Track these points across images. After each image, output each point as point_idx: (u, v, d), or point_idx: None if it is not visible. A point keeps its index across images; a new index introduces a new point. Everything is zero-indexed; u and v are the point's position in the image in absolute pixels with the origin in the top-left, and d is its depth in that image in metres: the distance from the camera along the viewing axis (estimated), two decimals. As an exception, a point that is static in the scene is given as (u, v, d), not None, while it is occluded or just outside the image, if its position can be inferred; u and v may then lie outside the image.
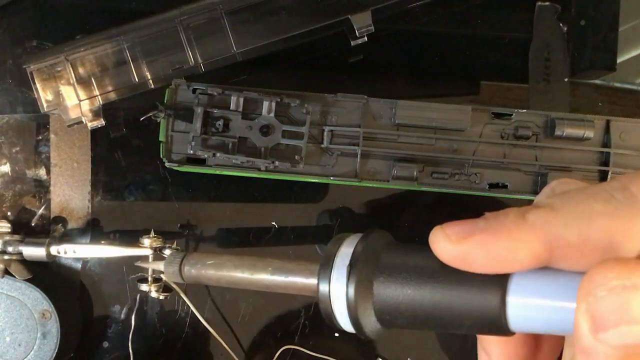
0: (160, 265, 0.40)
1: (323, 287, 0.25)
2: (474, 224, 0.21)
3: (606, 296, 0.17)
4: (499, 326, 0.21)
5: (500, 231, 0.20)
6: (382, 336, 0.27)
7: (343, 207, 0.48)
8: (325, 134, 0.43)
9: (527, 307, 0.21)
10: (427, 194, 0.45)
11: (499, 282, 0.21)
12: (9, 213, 0.46)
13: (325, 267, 0.25)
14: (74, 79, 0.41)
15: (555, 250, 0.20)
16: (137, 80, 0.42)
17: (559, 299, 0.20)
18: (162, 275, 0.42)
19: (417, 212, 0.48)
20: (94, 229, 0.47)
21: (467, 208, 0.47)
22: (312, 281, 0.27)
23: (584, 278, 0.18)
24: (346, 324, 0.25)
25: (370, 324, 0.24)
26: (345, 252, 0.25)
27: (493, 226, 0.20)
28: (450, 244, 0.21)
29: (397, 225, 0.48)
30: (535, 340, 0.26)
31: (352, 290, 0.24)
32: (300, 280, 0.28)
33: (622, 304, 0.17)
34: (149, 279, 0.44)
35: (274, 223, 0.47)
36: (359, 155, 0.42)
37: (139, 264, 0.43)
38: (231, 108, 0.42)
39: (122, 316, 0.47)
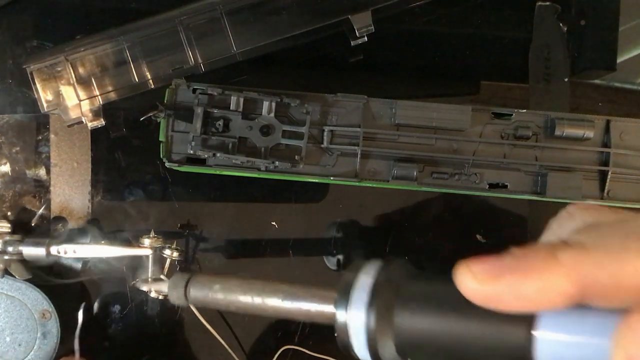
0: (163, 287, 0.38)
1: (341, 317, 0.24)
2: (501, 261, 0.20)
3: None
4: None
5: (530, 271, 0.19)
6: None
7: (343, 207, 0.48)
8: (325, 134, 0.43)
9: (556, 344, 0.20)
10: (428, 194, 0.45)
11: (528, 317, 0.20)
12: (9, 213, 0.46)
13: (343, 297, 0.24)
14: (74, 79, 0.41)
15: (587, 290, 0.19)
16: (137, 80, 0.42)
17: (589, 336, 0.19)
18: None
19: (417, 213, 0.48)
20: (94, 229, 0.47)
21: (467, 208, 0.47)
22: (326, 309, 0.26)
23: (621, 324, 0.18)
24: (365, 356, 0.24)
25: (390, 356, 0.23)
26: (364, 282, 0.24)
27: (523, 266, 0.20)
28: (478, 284, 0.20)
29: (397, 226, 0.48)
30: None
31: (372, 322, 0.23)
32: (314, 308, 0.27)
33: None
34: (149, 279, 0.44)
35: (273, 223, 0.47)
36: (359, 155, 0.42)
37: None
38: (231, 108, 0.42)
39: (122, 316, 0.47)
